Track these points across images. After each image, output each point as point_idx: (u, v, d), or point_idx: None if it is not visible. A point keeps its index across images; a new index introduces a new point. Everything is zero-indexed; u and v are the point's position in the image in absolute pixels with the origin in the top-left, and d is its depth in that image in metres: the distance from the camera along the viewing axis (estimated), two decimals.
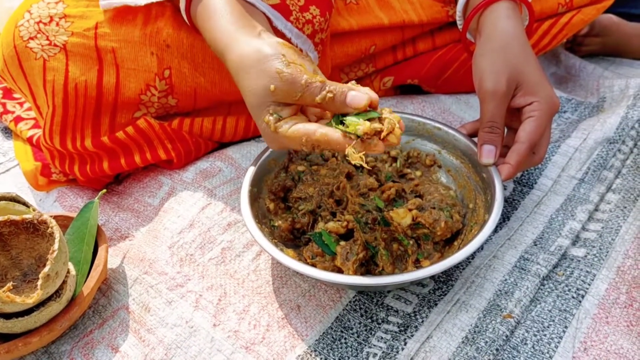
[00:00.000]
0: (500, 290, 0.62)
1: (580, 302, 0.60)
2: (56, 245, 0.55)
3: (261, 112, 0.55)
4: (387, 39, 0.84)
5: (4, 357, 0.56)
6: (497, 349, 0.56)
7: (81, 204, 0.76)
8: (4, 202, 0.64)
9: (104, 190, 0.72)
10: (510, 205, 0.72)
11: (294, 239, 0.67)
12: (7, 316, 0.55)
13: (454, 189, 0.71)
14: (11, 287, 0.55)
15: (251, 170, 0.68)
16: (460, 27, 0.76)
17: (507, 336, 0.57)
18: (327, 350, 0.58)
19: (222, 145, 0.83)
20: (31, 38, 0.70)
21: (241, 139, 0.83)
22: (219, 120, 0.80)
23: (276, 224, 0.67)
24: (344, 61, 0.85)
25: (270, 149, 0.71)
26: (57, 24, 0.71)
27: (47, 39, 0.70)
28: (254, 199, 0.66)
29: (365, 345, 0.58)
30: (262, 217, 0.66)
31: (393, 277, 0.57)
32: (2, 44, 0.73)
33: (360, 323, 0.60)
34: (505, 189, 0.73)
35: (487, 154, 0.64)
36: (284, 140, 0.54)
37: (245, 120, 0.82)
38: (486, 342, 0.56)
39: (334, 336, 0.59)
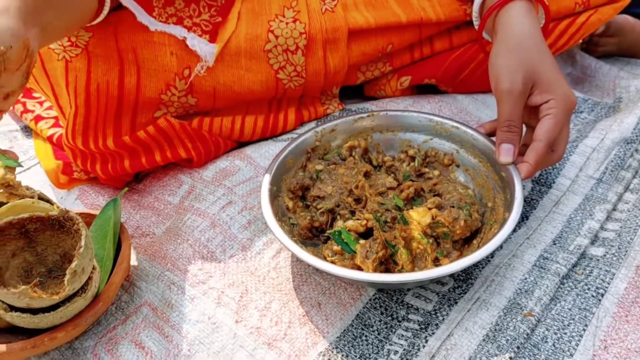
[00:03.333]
0: (520, 289, 0.62)
1: (600, 300, 0.60)
2: (83, 242, 0.56)
3: None
4: (405, 38, 0.84)
5: (30, 352, 0.57)
6: (518, 347, 0.56)
7: (102, 202, 0.77)
8: (28, 199, 0.65)
9: (126, 189, 0.73)
10: (529, 204, 0.72)
11: (312, 238, 0.68)
12: (34, 311, 0.56)
13: (472, 187, 0.71)
14: (37, 283, 0.56)
15: (270, 169, 0.69)
16: (476, 26, 0.76)
17: (527, 334, 0.57)
18: (349, 347, 0.58)
19: (241, 144, 0.84)
20: None
21: (259, 139, 0.84)
22: (237, 120, 0.81)
23: (295, 222, 0.67)
24: (361, 60, 0.85)
25: (290, 148, 0.72)
26: None
27: (69, 40, 0.71)
28: (274, 197, 0.67)
29: (386, 342, 0.59)
30: (281, 215, 0.67)
31: (413, 274, 0.58)
32: None
33: (380, 321, 0.61)
34: (524, 188, 0.73)
35: (506, 152, 0.65)
36: None
37: (264, 119, 0.83)
38: (507, 340, 0.57)
39: (355, 333, 0.60)
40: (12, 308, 0.56)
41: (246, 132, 0.82)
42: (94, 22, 0.68)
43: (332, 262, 0.61)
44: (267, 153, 0.80)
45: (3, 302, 0.56)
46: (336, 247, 0.64)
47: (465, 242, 0.66)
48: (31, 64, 0.54)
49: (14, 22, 0.52)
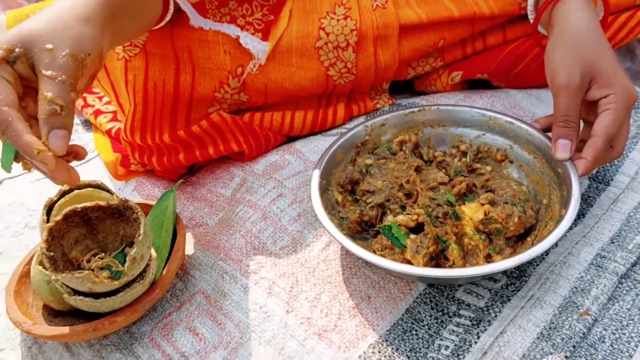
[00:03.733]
0: (576, 288, 0.60)
1: None
2: (142, 230, 0.58)
3: None
4: (457, 33, 0.83)
5: (91, 334, 0.60)
6: (573, 346, 0.55)
7: (158, 193, 0.80)
8: (90, 189, 0.68)
9: (181, 181, 0.75)
10: (585, 202, 0.70)
11: (361, 232, 0.68)
12: (96, 296, 0.59)
13: (526, 184, 0.69)
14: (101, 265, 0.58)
15: (320, 163, 0.69)
16: (531, 20, 0.75)
17: (584, 333, 0.56)
18: (399, 340, 0.58)
19: (291, 139, 0.85)
20: None
21: (309, 133, 0.85)
22: (287, 115, 0.82)
23: (345, 216, 0.68)
24: (412, 56, 0.85)
25: (339, 143, 0.72)
26: None
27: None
28: (323, 190, 0.68)
29: (437, 337, 0.58)
30: (330, 209, 0.67)
31: (465, 270, 0.57)
32: None
33: (431, 316, 0.60)
34: (580, 185, 0.72)
35: (563, 148, 0.63)
36: None
37: (313, 114, 0.84)
38: (562, 338, 0.55)
39: (405, 327, 0.60)
40: (76, 292, 0.59)
41: (296, 126, 0.83)
42: (158, 26, 0.70)
43: (382, 256, 0.61)
44: (317, 147, 0.81)
45: (67, 286, 0.58)
46: (386, 242, 0.64)
47: (519, 240, 0.64)
48: (99, 68, 0.56)
49: (95, 30, 0.54)
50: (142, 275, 0.60)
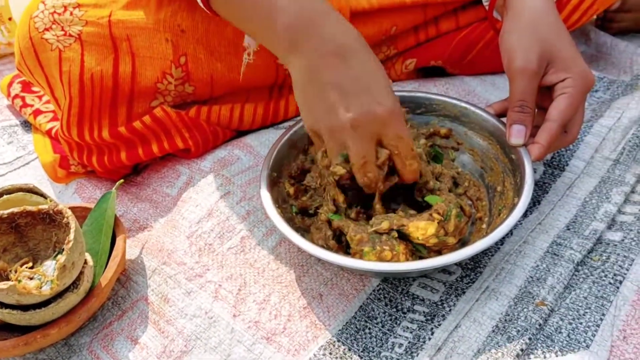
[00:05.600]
0: (531, 277, 0.59)
1: (617, 288, 0.57)
2: (72, 236, 0.54)
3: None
4: (409, 19, 0.81)
5: (22, 349, 0.56)
6: (529, 338, 0.53)
7: (100, 195, 0.75)
8: (21, 193, 0.63)
9: (122, 181, 0.71)
10: (541, 188, 0.69)
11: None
12: (25, 308, 0.55)
13: (466, 169, 0.68)
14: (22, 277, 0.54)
15: (270, 155, 0.66)
16: (486, 4, 0.73)
17: (540, 325, 0.54)
18: (351, 340, 0.56)
19: (240, 133, 0.81)
20: (46, 29, 0.69)
21: (259, 127, 0.81)
22: (236, 108, 0.79)
23: (297, 210, 0.65)
24: None
25: (290, 133, 0.69)
26: (71, 14, 0.70)
27: (62, 29, 0.69)
28: (274, 183, 0.65)
29: (391, 335, 0.56)
30: (282, 203, 0.64)
31: (417, 262, 0.55)
32: (18, 37, 0.72)
33: (384, 312, 0.58)
34: (535, 171, 0.70)
35: (517, 134, 0.61)
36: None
37: (264, 107, 0.80)
38: (518, 330, 0.53)
39: (358, 326, 0.57)
40: (3, 305, 0.55)
41: (245, 120, 0.79)
42: None
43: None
44: (268, 141, 0.78)
45: None
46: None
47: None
48: None
49: None
50: (75, 283, 0.56)
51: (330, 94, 0.55)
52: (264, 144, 0.78)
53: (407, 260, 0.56)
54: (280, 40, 0.58)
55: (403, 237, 0.57)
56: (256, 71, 0.76)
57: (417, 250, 0.58)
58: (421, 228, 0.55)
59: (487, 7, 0.71)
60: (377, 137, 0.55)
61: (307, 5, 0.58)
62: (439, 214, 0.56)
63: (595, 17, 0.98)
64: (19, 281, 0.54)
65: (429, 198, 0.60)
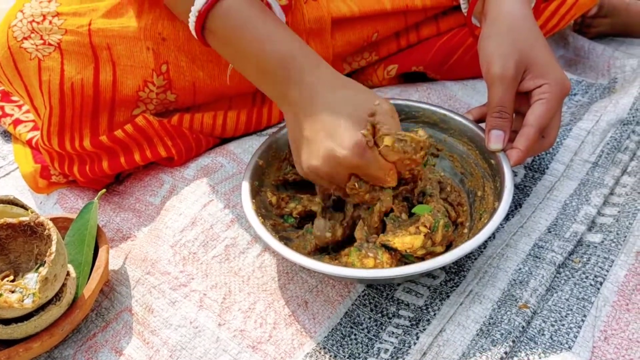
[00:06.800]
0: (514, 280, 0.59)
1: (598, 289, 0.58)
2: (53, 248, 0.54)
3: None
4: (390, 25, 0.82)
5: None
6: (513, 341, 0.53)
7: (82, 205, 0.75)
8: (1, 205, 0.63)
9: (104, 191, 0.70)
10: (522, 192, 0.69)
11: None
12: (6, 322, 0.54)
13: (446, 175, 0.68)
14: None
15: (252, 164, 0.66)
16: (465, 10, 0.73)
17: (523, 327, 0.55)
18: (337, 347, 0.56)
19: (224, 140, 0.81)
20: (25, 38, 0.69)
21: (243, 134, 0.81)
22: (219, 116, 0.78)
23: (279, 220, 0.65)
24: (346, 50, 0.82)
25: (272, 141, 0.69)
26: (50, 22, 0.69)
27: (41, 38, 0.69)
28: (256, 192, 0.64)
29: (376, 340, 0.56)
30: (265, 211, 0.64)
31: (402, 268, 0.55)
32: None
33: (370, 318, 0.58)
34: (515, 175, 0.71)
35: (496, 139, 0.62)
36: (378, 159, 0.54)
37: (247, 114, 0.80)
38: (502, 333, 0.54)
39: (344, 332, 0.57)
40: None
41: (228, 127, 0.79)
42: None
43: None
44: (251, 148, 0.77)
45: None
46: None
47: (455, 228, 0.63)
48: None
49: None
50: (58, 296, 0.56)
51: (300, 145, 0.58)
52: (247, 151, 0.78)
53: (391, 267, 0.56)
54: (271, 96, 0.64)
55: (390, 247, 0.57)
56: (240, 77, 0.76)
57: (404, 257, 0.58)
58: (407, 243, 0.56)
59: (466, 14, 0.72)
60: (350, 173, 0.56)
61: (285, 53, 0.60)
62: (425, 226, 0.57)
63: (573, 22, 1.00)
64: (0, 295, 0.53)
65: (417, 209, 0.59)
